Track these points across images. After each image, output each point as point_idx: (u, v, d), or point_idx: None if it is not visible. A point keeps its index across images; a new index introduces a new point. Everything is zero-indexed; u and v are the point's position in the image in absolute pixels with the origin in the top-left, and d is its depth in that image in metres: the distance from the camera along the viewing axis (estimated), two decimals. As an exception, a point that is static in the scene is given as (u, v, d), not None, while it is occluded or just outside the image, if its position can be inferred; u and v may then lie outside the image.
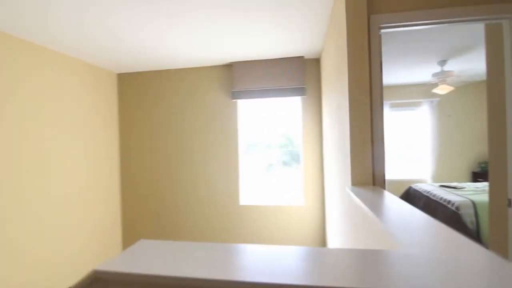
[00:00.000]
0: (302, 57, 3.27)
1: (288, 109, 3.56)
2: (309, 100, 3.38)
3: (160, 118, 3.66)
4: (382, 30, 1.60)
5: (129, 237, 3.72)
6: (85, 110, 3.18)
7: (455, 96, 4.74)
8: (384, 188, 1.53)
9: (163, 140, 3.65)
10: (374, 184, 1.54)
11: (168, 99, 3.64)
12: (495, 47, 1.97)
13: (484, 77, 4.63)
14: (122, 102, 3.74)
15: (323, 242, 3.34)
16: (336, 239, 2.37)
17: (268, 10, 2.13)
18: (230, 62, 3.41)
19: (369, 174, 1.53)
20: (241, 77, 3.39)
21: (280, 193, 3.59)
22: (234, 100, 3.45)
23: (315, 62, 3.36)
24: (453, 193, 3.34)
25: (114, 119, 3.67)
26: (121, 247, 3.72)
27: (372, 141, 1.54)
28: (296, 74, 3.30)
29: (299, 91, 3.31)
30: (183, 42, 2.73)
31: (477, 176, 4.73)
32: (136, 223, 3.71)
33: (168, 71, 3.63)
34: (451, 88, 3.44)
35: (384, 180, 1.59)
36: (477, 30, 2.78)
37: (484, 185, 3.69)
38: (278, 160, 3.62)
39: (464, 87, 4.80)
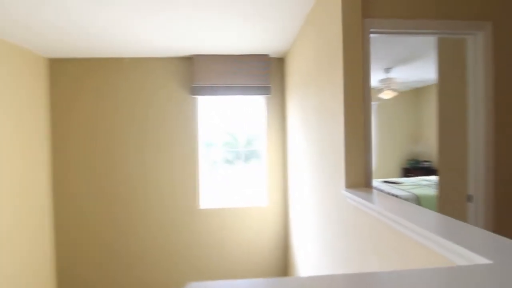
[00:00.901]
0: (267, 55, 3.21)
1: (251, 107, 3.47)
2: (273, 100, 3.34)
3: (105, 114, 3.16)
4: (371, 35, 1.64)
5: (66, 267, 3.13)
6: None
7: (390, 100, 5.33)
8: (371, 189, 1.57)
9: (108, 139, 3.16)
10: (365, 186, 1.56)
11: (115, 91, 3.17)
12: (446, 58, 2.20)
13: (417, 85, 5.33)
14: (55, 95, 3.10)
15: (286, 244, 3.35)
16: (308, 244, 2.38)
17: (239, 2, 1.99)
18: (191, 55, 3.14)
19: (362, 177, 1.55)
20: (203, 72, 3.16)
21: (242, 194, 3.48)
22: (194, 96, 3.20)
23: (280, 62, 3.34)
24: (396, 187, 3.73)
25: (42, 115, 3.02)
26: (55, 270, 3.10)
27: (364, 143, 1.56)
28: (261, 72, 3.23)
29: (263, 89, 3.24)
30: (140, 27, 2.37)
31: (407, 171, 5.42)
32: (74, 244, 3.13)
33: (118, 59, 3.15)
34: (395, 94, 3.83)
35: (371, 181, 1.63)
36: (418, 43, 3.14)
37: (418, 179, 4.23)
38: (222, 159, 3.48)
39: (399, 94, 5.43)
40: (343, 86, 1.52)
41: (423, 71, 3.92)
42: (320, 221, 2.02)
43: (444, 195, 2.23)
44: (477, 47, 1.70)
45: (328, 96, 1.78)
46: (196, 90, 3.17)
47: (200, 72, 3.15)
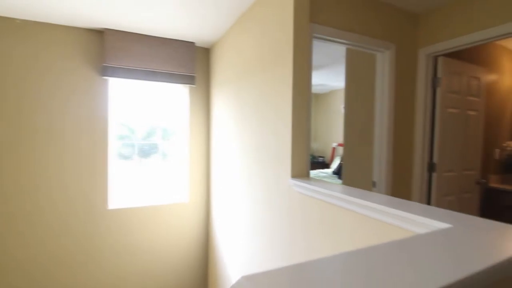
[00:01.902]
0: (193, 43, 3.05)
1: (172, 97, 3.21)
2: (197, 91, 3.20)
3: (-34, 88, 2.30)
4: (313, 39, 1.80)
5: None
6: None
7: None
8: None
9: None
10: (306, 175, 1.71)
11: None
12: (352, 67, 2.64)
13: (318, 91, 6.09)
14: None
15: (207, 240, 3.29)
16: (238, 236, 2.42)
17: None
18: (103, 28, 2.65)
19: (304, 166, 1.69)
20: (117, 50, 2.72)
21: (160, 191, 3.20)
22: (105, 77, 2.72)
23: (205, 52, 3.23)
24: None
25: None
26: None
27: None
28: (186, 60, 3.04)
29: (188, 79, 3.07)
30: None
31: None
32: None
33: (8, 19, 2.34)
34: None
35: (309, 172, 1.80)
36: (331, 52, 3.64)
37: (317, 172, 4.90)
38: (115, 153, 3.15)
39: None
40: (292, 83, 1.62)
41: (328, 78, 4.57)
42: (258, 212, 2.08)
43: (350, 182, 2.65)
44: (384, 62, 2.12)
45: (272, 91, 1.84)
46: (108, 71, 2.70)
47: (113, 50, 2.70)
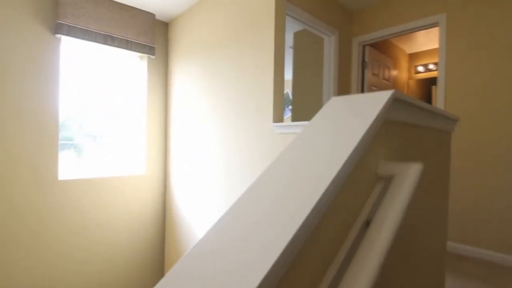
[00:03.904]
0: (154, 15, 3.08)
1: (129, 67, 3.14)
2: (156, 62, 3.22)
3: None
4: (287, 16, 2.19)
5: None
6: None
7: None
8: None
9: None
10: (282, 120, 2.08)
11: None
12: (299, 52, 3.17)
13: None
14: None
15: (164, 210, 3.31)
16: (212, 196, 2.61)
17: None
18: (58, -19, 2.46)
19: (281, 114, 2.05)
20: (73, 8, 2.56)
21: (116, 163, 3.08)
22: (58, 35, 2.52)
23: (165, 26, 3.27)
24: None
25: None
26: None
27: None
28: (146, 30, 3.04)
29: (148, 48, 3.07)
30: None
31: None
32: None
33: None
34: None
35: (283, 118, 2.17)
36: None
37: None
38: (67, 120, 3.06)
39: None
40: (274, 49, 1.97)
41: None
42: (234, 158, 2.34)
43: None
44: (331, 44, 2.68)
45: (251, 52, 2.15)
46: (62, 29, 2.51)
47: (69, 7, 2.54)
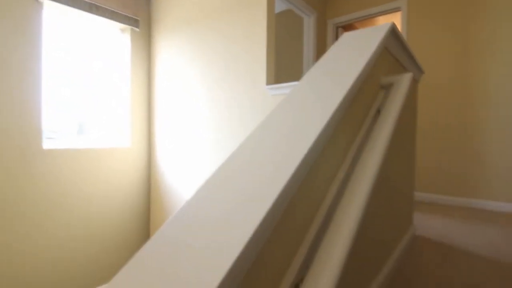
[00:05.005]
0: (138, -13, 3.09)
1: (113, 40, 3.12)
2: (140, 36, 3.23)
3: None
4: None
5: None
6: None
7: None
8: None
9: None
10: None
11: None
12: (280, 32, 3.42)
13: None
14: None
15: (148, 181, 3.36)
16: (204, 161, 2.75)
17: None
18: None
19: (273, 77, 2.28)
20: (56, -28, 2.50)
21: (100, 134, 3.05)
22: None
23: (147, 2, 3.29)
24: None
25: None
26: None
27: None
28: (130, 3, 3.04)
29: (132, 21, 3.08)
30: None
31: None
32: None
33: None
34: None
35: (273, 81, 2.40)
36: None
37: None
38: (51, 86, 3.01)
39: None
40: (267, 18, 2.18)
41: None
42: (225, 120, 2.51)
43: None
44: (310, 24, 2.96)
45: (241, 29, 2.33)
46: (44, -8, 2.45)
47: (51, -29, 2.47)
